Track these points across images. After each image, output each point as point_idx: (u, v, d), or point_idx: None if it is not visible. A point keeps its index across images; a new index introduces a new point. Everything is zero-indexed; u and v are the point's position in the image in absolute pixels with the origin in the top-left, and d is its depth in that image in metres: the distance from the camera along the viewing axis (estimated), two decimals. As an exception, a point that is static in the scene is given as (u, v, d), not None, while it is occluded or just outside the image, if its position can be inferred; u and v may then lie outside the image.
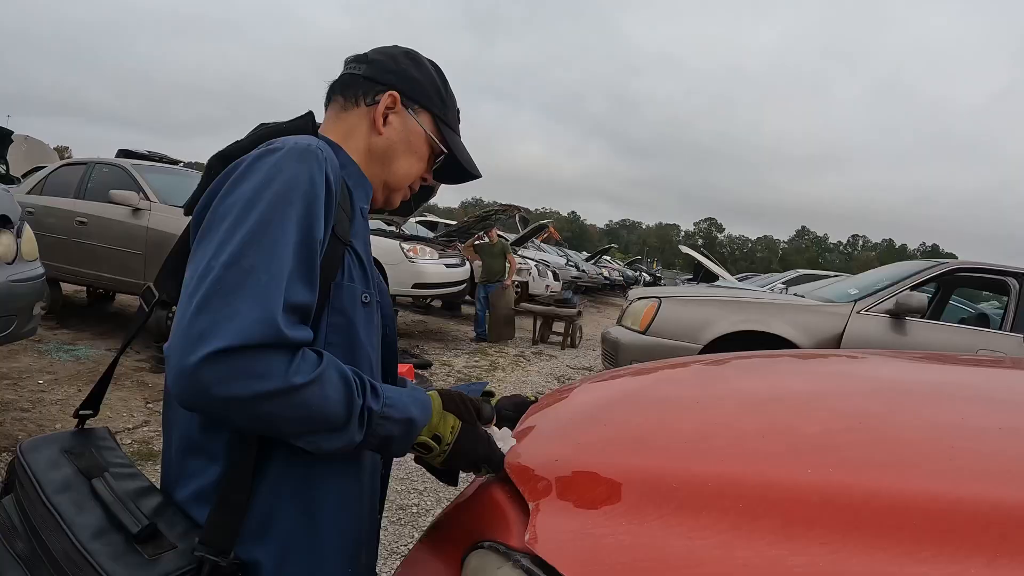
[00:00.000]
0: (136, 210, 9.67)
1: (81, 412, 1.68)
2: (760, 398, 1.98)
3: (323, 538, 1.57)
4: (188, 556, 1.39)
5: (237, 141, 1.68)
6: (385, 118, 1.78)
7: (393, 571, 1.63)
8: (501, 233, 17.62)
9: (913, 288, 7.62)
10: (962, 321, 9.89)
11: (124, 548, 1.38)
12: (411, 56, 1.86)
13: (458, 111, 1.94)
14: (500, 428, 1.79)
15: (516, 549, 1.30)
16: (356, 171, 1.77)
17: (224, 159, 1.61)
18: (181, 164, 12.54)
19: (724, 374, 2.45)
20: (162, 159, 12.06)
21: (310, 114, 1.79)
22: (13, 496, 1.53)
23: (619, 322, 8.30)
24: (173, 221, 9.36)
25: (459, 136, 1.94)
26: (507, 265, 15.28)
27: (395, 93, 1.78)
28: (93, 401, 1.71)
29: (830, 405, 1.87)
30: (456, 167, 1.93)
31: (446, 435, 1.63)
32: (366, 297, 1.64)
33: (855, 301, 7.62)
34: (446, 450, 1.63)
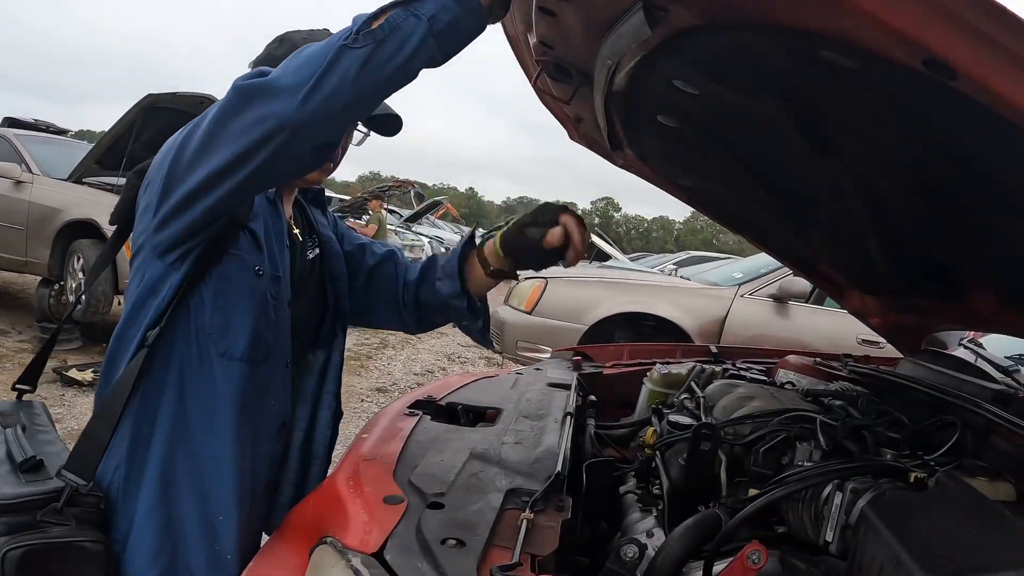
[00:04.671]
0: (18, 183, 9.22)
1: (18, 386, 2.02)
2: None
3: (181, 485, 1.78)
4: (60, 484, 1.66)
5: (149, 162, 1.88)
6: None
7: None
8: (395, 208, 17.58)
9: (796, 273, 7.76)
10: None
11: (7, 472, 1.69)
12: (277, 38, 2.02)
13: None
14: None
15: (350, 548, 1.37)
16: None
17: (141, 173, 1.87)
18: (70, 133, 12.16)
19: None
20: (49, 128, 11.65)
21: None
22: None
23: (506, 302, 8.30)
24: (57, 195, 8.97)
25: None
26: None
27: None
28: (30, 377, 2.03)
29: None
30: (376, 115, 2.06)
31: None
32: (260, 271, 1.87)
33: (739, 285, 7.75)
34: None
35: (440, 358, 11.32)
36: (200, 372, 1.81)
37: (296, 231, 2.13)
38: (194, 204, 1.69)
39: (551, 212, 1.98)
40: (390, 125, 2.13)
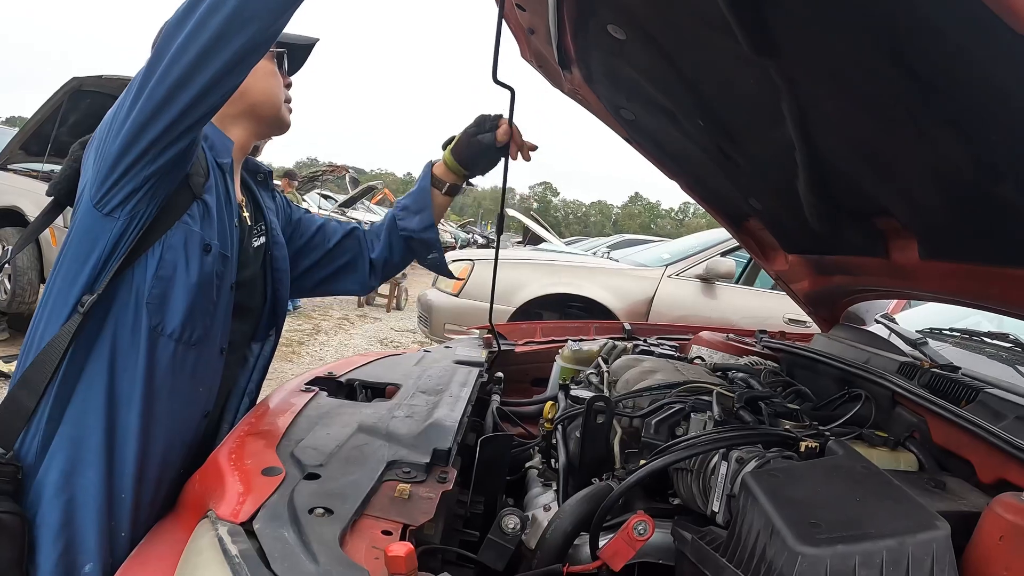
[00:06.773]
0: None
1: None
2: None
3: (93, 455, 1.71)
4: None
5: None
6: None
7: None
8: (328, 194, 17.41)
9: (723, 254, 7.80)
10: (775, 287, 10.23)
11: None
12: None
13: None
14: None
15: (221, 519, 1.36)
16: (210, 130, 1.97)
17: (85, 144, 1.83)
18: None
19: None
20: (-25, 116, 11.35)
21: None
22: None
23: (434, 285, 8.27)
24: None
25: None
26: None
27: None
28: None
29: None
30: (295, 52, 2.18)
31: None
32: (209, 247, 1.83)
33: (666, 266, 7.77)
34: None
35: (373, 343, 11.27)
36: (131, 343, 1.76)
37: (245, 214, 2.10)
38: (161, 85, 1.59)
39: (490, 120, 2.35)
40: (302, 55, 2.25)
